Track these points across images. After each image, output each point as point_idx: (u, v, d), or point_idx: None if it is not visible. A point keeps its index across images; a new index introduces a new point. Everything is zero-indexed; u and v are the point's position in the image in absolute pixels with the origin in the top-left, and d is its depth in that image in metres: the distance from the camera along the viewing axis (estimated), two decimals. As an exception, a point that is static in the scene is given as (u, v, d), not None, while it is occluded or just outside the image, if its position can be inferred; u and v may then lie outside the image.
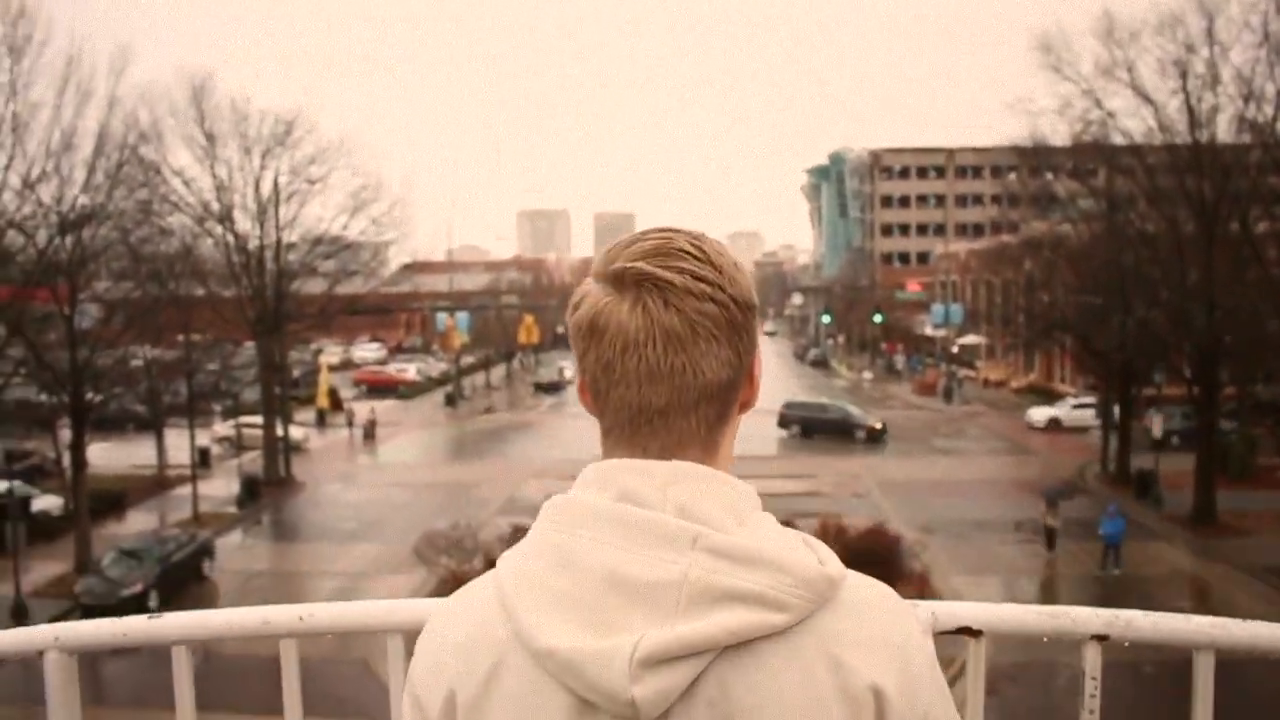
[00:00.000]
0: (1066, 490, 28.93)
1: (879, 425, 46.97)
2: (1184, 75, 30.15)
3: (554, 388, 68.69)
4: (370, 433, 48.14)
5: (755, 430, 43.38)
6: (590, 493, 1.13)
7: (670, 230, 1.18)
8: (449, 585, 23.83)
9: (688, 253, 1.14)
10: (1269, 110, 28.87)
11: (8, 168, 23.07)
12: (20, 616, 22.31)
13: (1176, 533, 29.76)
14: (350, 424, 50.05)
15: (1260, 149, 29.85)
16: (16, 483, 27.35)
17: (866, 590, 1.14)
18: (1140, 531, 29.90)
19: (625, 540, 1.07)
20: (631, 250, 1.15)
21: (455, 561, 23.91)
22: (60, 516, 29.31)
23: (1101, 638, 1.69)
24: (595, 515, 1.10)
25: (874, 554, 21.90)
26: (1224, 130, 30.50)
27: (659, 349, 1.11)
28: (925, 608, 1.66)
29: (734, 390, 1.17)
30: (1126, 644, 1.70)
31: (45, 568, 26.14)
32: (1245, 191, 30.00)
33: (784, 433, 46.91)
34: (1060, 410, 49.69)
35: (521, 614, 1.08)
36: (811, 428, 47.08)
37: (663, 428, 1.14)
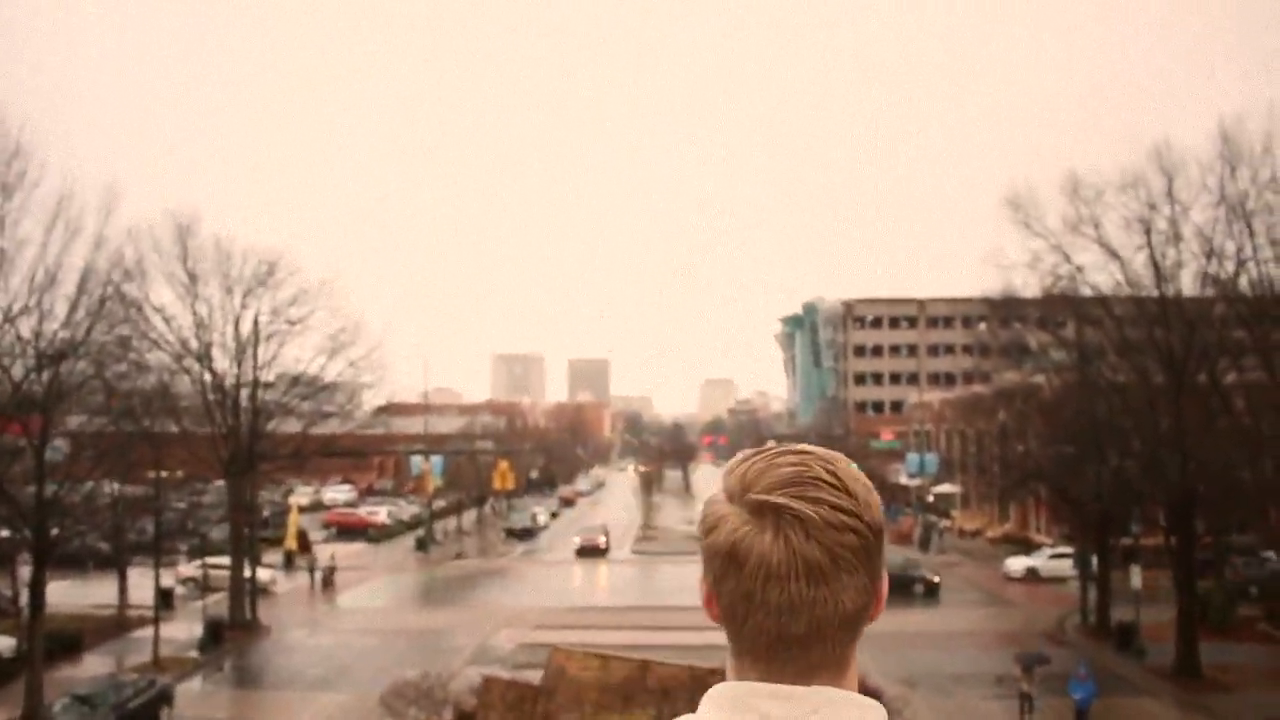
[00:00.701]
0: (1041, 656, 27.68)
1: (936, 579, 45.80)
2: (1148, 232, 31.10)
3: (526, 534, 67.88)
4: (329, 580, 46.44)
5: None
6: (727, 716, 1.14)
7: (805, 454, 1.19)
8: (415, 736, 23.03)
9: (825, 482, 1.14)
10: (1230, 266, 29.69)
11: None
12: (-35, 767, 21.35)
13: (1160, 687, 29.28)
14: (311, 570, 47.78)
15: (1224, 303, 30.57)
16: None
17: None
18: (1123, 686, 29.44)
19: None
20: (769, 480, 1.15)
21: (424, 713, 23.17)
22: (12, 659, 28.35)
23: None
24: None
25: None
26: (1188, 284, 31.34)
27: (801, 582, 1.12)
28: None
29: (867, 612, 1.17)
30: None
31: (-5, 713, 25.18)
32: (1212, 344, 30.59)
33: None
34: (1037, 560, 49.38)
35: None
36: None
37: (801, 654, 1.15)
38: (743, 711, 1.13)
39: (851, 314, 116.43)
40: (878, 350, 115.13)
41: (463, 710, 23.99)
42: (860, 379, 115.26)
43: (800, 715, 1.11)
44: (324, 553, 50.80)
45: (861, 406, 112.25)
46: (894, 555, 49.32)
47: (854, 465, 1.20)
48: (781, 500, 1.12)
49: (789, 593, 1.11)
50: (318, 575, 46.99)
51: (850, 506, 1.13)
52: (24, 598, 28.29)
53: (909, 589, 44.07)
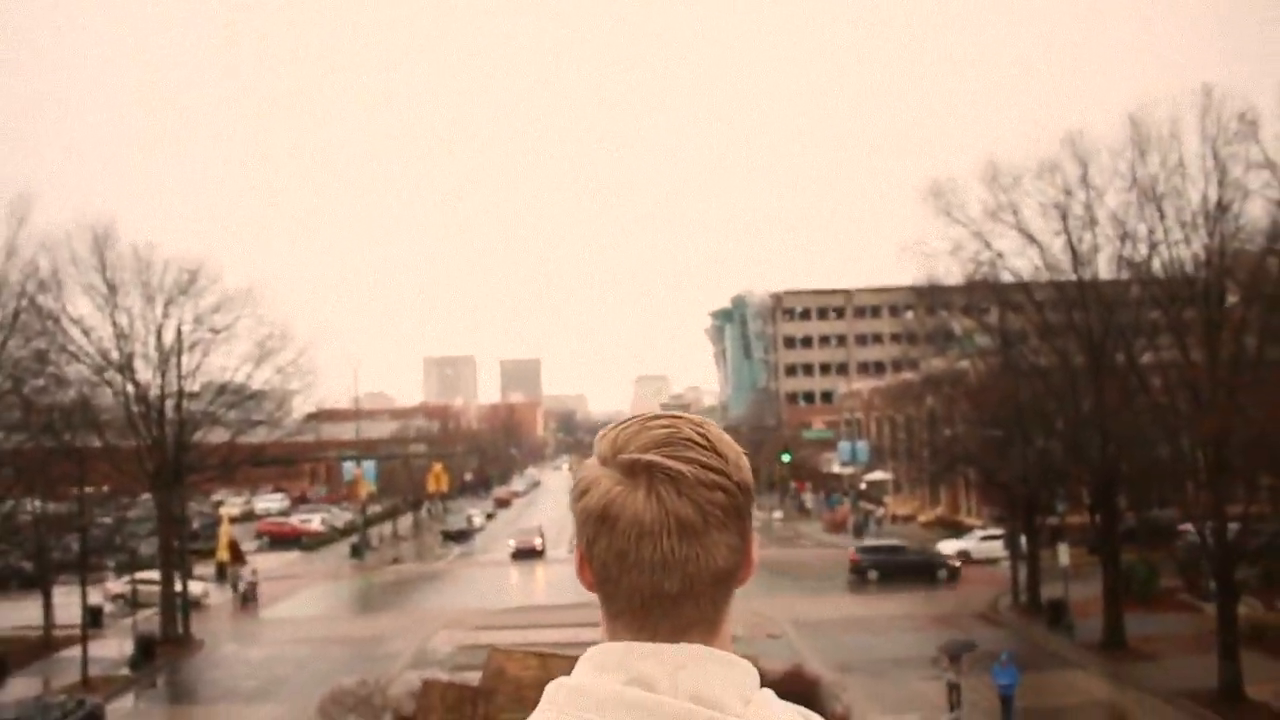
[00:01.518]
0: (968, 643, 27.05)
1: (958, 564, 46.27)
2: (1064, 217, 31.81)
3: (463, 536, 67.52)
4: (251, 595, 44.52)
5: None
6: (599, 676, 1.13)
7: (674, 418, 1.21)
8: (356, 745, 22.83)
9: (695, 442, 1.17)
10: (1143, 249, 30.46)
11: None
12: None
13: (1090, 660, 30.05)
14: (235, 585, 45.65)
15: (1138, 285, 31.38)
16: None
17: None
18: (1055, 661, 30.13)
19: None
20: (641, 440, 1.17)
21: None
22: (-64, 685, 27.61)
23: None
24: (606, 701, 1.10)
25: (793, 696, 21.05)
26: (1105, 268, 32.09)
27: (674, 539, 1.13)
28: None
29: (738, 571, 1.19)
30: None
31: (-88, 744, 24.47)
32: (1129, 325, 31.37)
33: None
34: (969, 543, 50.23)
35: None
36: (890, 570, 44.93)
37: (673, 612, 1.15)
38: (614, 671, 1.13)
39: (780, 306, 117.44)
40: (807, 341, 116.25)
41: (402, 715, 23.81)
42: (791, 370, 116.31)
43: (669, 671, 1.12)
44: (247, 568, 48.26)
45: (793, 397, 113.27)
46: (916, 542, 49.96)
47: (725, 433, 1.22)
48: (654, 458, 1.14)
49: (662, 550, 1.12)
50: (242, 587, 45.07)
51: (720, 466, 1.15)
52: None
53: (933, 574, 44.95)
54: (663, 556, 1.13)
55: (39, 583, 35.00)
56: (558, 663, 25.15)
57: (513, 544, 59.01)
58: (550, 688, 1.15)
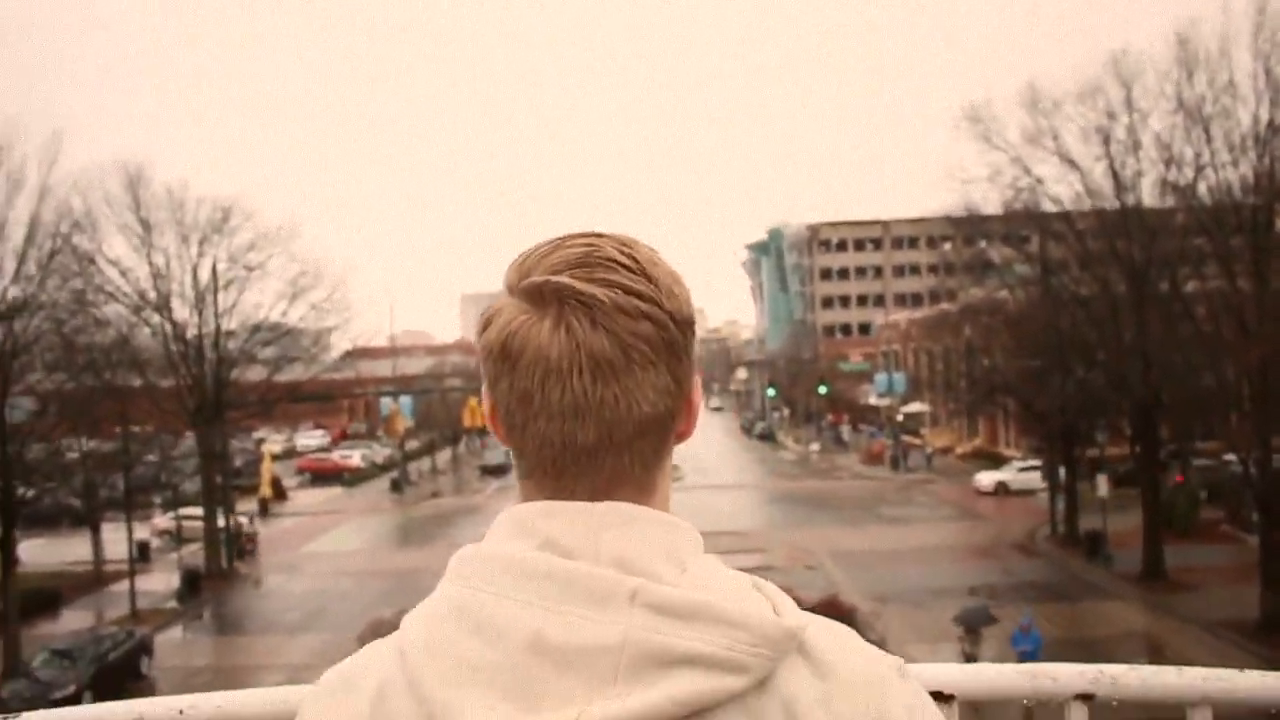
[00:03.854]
0: (986, 613, 24.09)
1: None
2: (1106, 141, 31.06)
3: (501, 470, 68.00)
4: (246, 549, 40.44)
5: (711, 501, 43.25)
6: (508, 542, 0.97)
7: (595, 235, 1.02)
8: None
9: (618, 263, 0.98)
10: (1189, 174, 29.72)
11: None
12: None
13: (1128, 590, 29.91)
14: (237, 534, 40.02)
15: (1184, 211, 30.69)
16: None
17: (830, 638, 0.98)
18: (1092, 591, 30.05)
19: (551, 598, 0.91)
20: (551, 260, 0.99)
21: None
22: (-10, 618, 28.23)
23: (1087, 697, 1.57)
24: (514, 569, 0.93)
25: None
26: (1148, 193, 31.37)
27: (586, 378, 0.95)
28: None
29: (672, 421, 1.01)
30: (1115, 704, 1.58)
31: (-26, 671, 25.15)
32: (1173, 252, 30.73)
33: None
34: (1006, 474, 50.04)
35: (433, 690, 0.90)
36: None
37: (591, 467, 0.98)
38: (523, 536, 0.96)
39: (817, 238, 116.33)
40: (844, 273, 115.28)
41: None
42: (828, 302, 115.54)
43: (589, 534, 0.95)
44: (245, 519, 43.07)
45: (830, 330, 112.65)
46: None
47: (657, 255, 1.04)
48: (565, 281, 0.96)
49: (573, 391, 0.95)
50: (247, 530, 41.37)
51: (647, 291, 0.97)
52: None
53: None
54: (573, 400, 0.95)
55: (88, 520, 35.71)
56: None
57: None
58: (454, 558, 0.98)
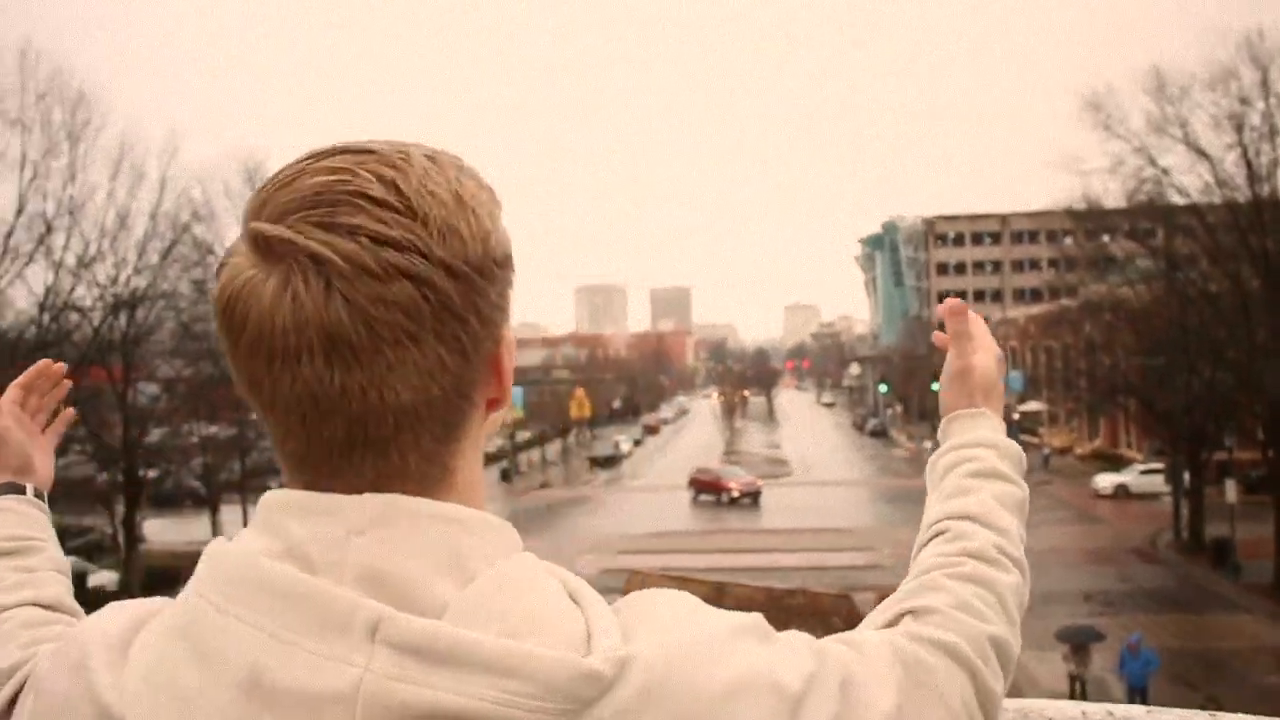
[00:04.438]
0: (1092, 631, 21.40)
1: None
2: (1240, 129, 29.71)
3: (610, 462, 68.38)
4: None
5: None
6: (255, 540, 0.77)
7: (355, 152, 0.77)
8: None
9: (369, 197, 0.74)
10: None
11: (65, 248, 23.55)
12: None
13: (1258, 603, 28.51)
14: None
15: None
16: (73, 558, 27.38)
17: (667, 654, 0.74)
18: (1218, 602, 28.75)
19: (282, 623, 0.71)
20: (284, 196, 0.75)
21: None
22: (115, 592, 29.30)
23: None
24: (249, 579, 0.74)
25: None
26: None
27: (319, 363, 0.73)
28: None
29: (461, 399, 0.79)
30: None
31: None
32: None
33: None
34: (1128, 476, 48.31)
35: None
36: None
37: (347, 466, 0.77)
38: (270, 533, 0.77)
39: (933, 231, 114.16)
40: (960, 268, 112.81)
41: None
42: (943, 297, 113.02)
43: (338, 539, 0.74)
44: None
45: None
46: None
47: (460, 173, 0.80)
48: (281, 233, 0.73)
49: (304, 380, 0.73)
50: None
51: (405, 238, 0.73)
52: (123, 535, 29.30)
53: None
54: (307, 390, 0.73)
55: (208, 501, 36.92)
56: (694, 587, 25.26)
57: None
58: (205, 553, 0.79)
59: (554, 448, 73.59)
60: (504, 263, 0.80)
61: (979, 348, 1.29)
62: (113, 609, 0.86)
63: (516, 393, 66.84)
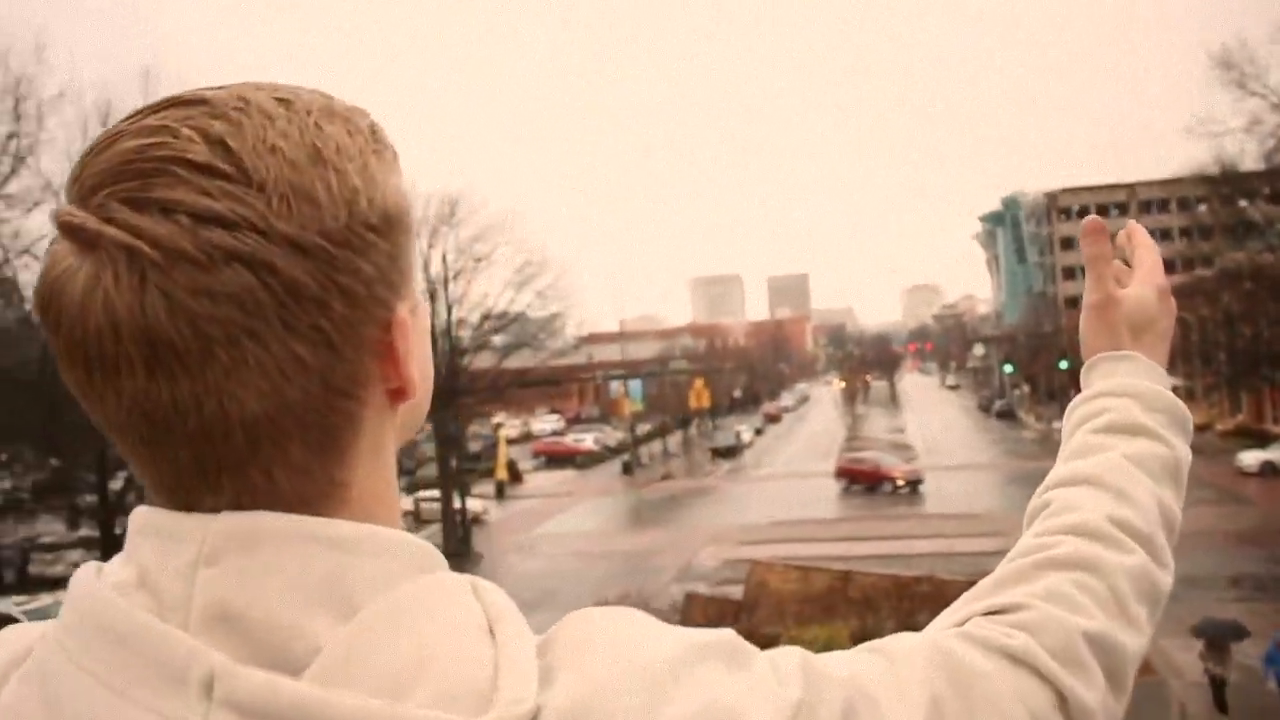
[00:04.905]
0: (1233, 627, 19.07)
1: None
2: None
3: (731, 452, 68.00)
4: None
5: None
6: (120, 567, 0.65)
7: (182, 106, 0.62)
8: (621, 655, 23.38)
9: (192, 164, 0.59)
10: None
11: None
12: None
13: None
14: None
15: None
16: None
17: (610, 714, 0.61)
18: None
19: (121, 672, 0.59)
20: (97, 166, 0.61)
21: (626, 631, 23.49)
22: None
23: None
24: (94, 618, 0.61)
25: None
26: None
27: (141, 375, 0.59)
28: None
29: (340, 398, 0.64)
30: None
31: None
32: None
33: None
34: (1275, 453, 45.99)
35: None
36: None
37: (204, 490, 0.63)
38: (131, 560, 0.64)
39: (1056, 205, 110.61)
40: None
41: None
42: (1070, 273, 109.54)
43: (185, 566, 0.61)
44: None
45: (1073, 301, 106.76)
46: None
47: (322, 118, 0.64)
48: (89, 219, 0.59)
49: (129, 395, 0.60)
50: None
51: (237, 211, 0.59)
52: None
53: None
54: (138, 408, 0.60)
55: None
56: (819, 576, 24.91)
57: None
58: (72, 578, 0.65)
59: (675, 439, 73.55)
60: (386, 226, 0.65)
61: (1139, 275, 1.06)
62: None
63: (635, 385, 66.99)
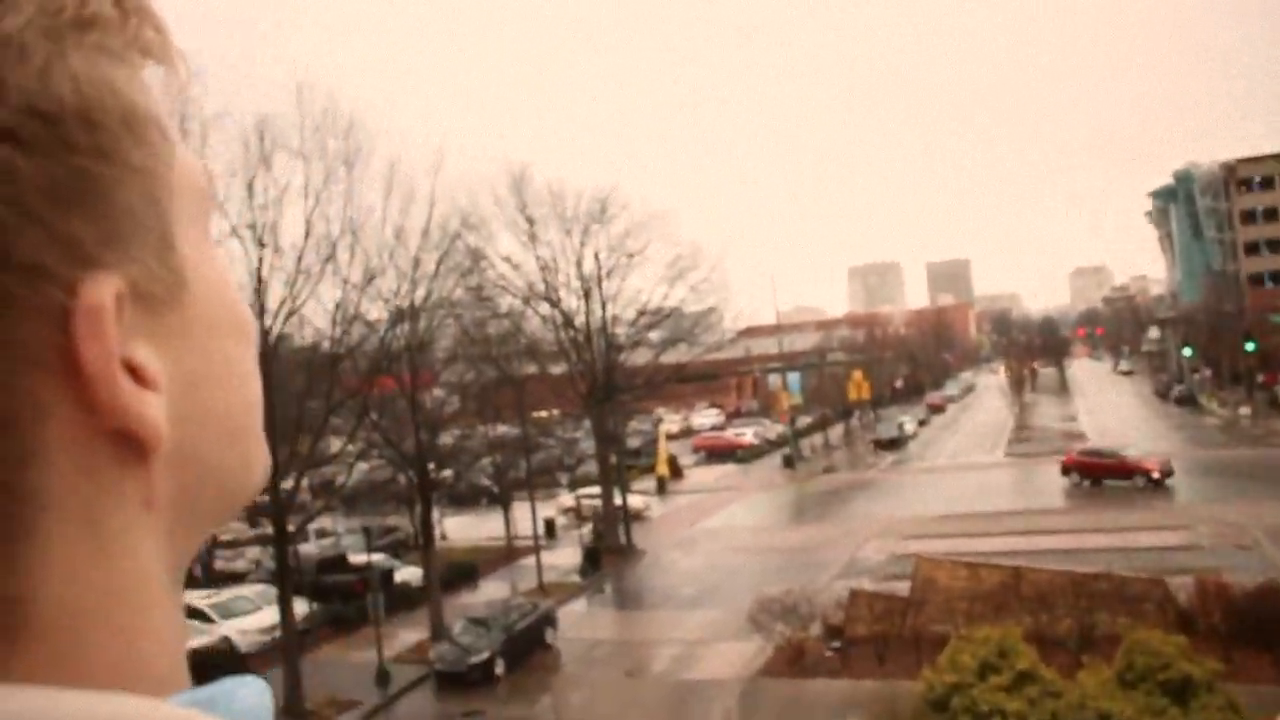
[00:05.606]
0: None
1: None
2: None
3: (895, 444, 66.56)
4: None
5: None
6: None
7: None
8: (784, 653, 23.05)
9: None
10: None
11: (350, 266, 24.97)
12: (383, 681, 23.81)
13: None
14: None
15: None
16: (380, 556, 29.42)
17: None
18: None
19: None
20: None
21: (790, 628, 23.13)
22: (419, 587, 31.00)
23: None
24: None
25: (1266, 617, 19.06)
26: None
27: None
28: None
29: (26, 430, 0.40)
30: None
31: (407, 635, 27.79)
32: None
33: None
34: None
35: None
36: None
37: None
38: None
39: (1234, 177, 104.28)
40: (1270, 214, 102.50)
41: (830, 624, 23.77)
42: (1252, 248, 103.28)
43: None
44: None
45: (1256, 279, 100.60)
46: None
47: None
48: None
49: None
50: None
51: None
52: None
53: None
54: None
55: (500, 499, 38.53)
56: (989, 572, 24.02)
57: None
58: None
59: (836, 432, 72.44)
60: (49, 130, 0.39)
61: None
62: None
63: (793, 378, 66.21)
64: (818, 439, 68.80)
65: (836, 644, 23.24)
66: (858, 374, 69.10)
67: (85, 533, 0.40)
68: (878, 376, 77.24)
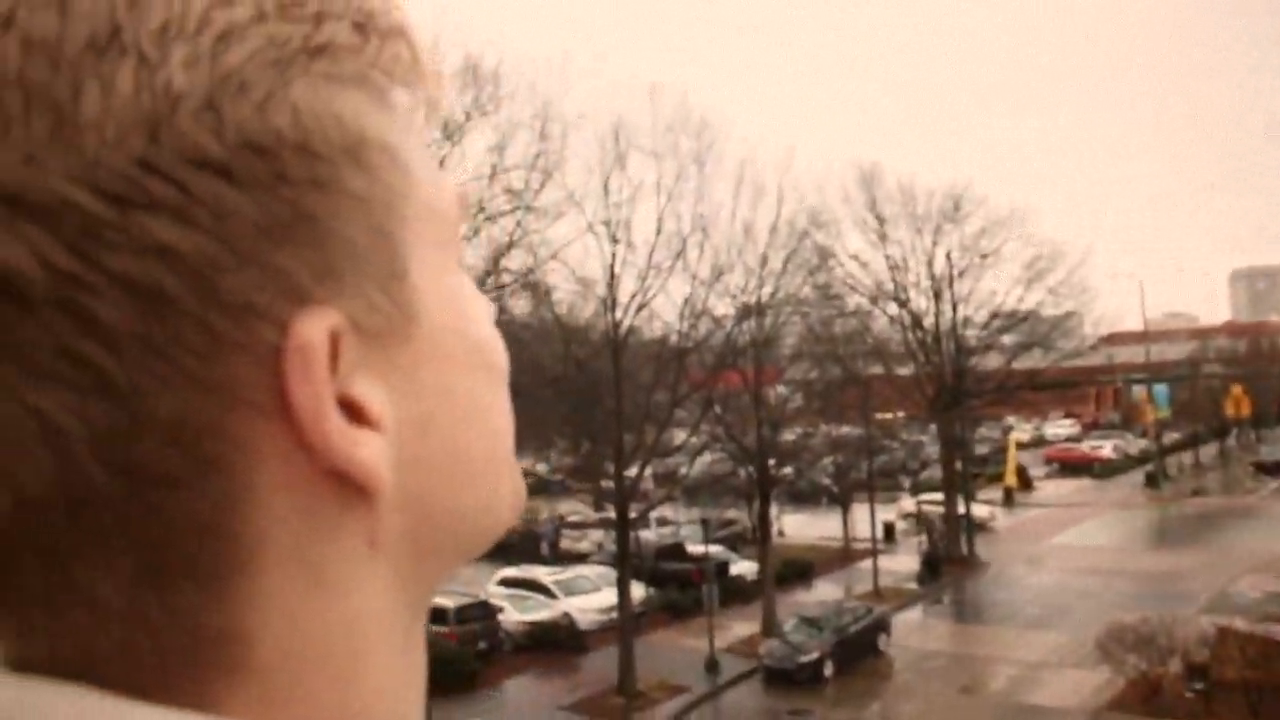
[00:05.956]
0: None
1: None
2: None
3: (1278, 468, 60.34)
4: (553, 541, 36.63)
5: None
6: None
7: None
8: (1137, 688, 21.45)
9: None
10: None
11: (699, 261, 25.62)
12: (712, 670, 24.31)
13: None
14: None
15: None
16: (717, 547, 30.04)
17: None
18: None
19: None
20: None
21: (1144, 661, 21.47)
22: (753, 581, 31.32)
23: None
24: None
25: None
26: None
27: None
28: None
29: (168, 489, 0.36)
30: None
31: (738, 627, 28.11)
32: None
33: None
34: None
35: None
36: None
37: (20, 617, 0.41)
38: None
39: None
40: None
41: (1192, 662, 21.84)
42: None
43: None
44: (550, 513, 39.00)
45: None
46: None
47: None
48: None
49: None
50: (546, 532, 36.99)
51: None
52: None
53: None
54: None
55: (839, 499, 38.28)
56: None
57: None
58: None
59: (1209, 451, 66.68)
60: (268, 165, 0.37)
61: None
62: None
63: (1160, 390, 61.46)
64: (1186, 457, 63.74)
65: (1199, 685, 21.34)
66: (1237, 389, 63.01)
67: (302, 571, 0.39)
68: (1262, 393, 70.12)
